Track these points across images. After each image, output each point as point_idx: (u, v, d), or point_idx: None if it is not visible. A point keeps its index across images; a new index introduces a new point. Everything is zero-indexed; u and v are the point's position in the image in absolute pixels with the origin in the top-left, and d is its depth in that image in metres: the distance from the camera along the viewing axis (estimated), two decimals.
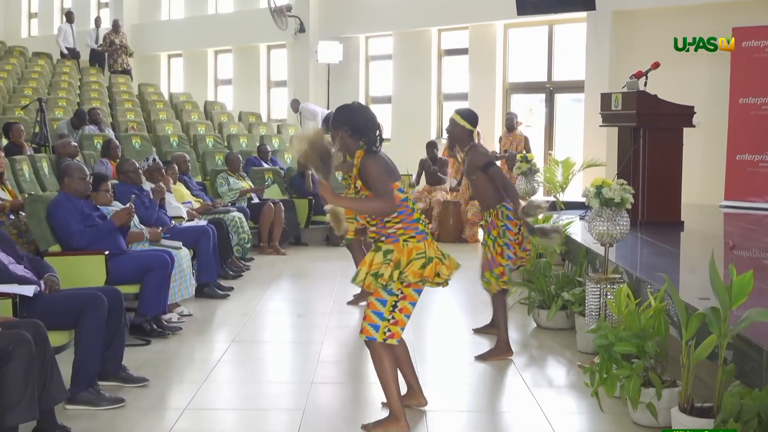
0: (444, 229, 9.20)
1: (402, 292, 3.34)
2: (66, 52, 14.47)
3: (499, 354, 4.59)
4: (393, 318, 3.34)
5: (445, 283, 3.45)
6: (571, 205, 7.39)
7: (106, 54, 14.26)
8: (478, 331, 5.10)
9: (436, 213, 9.29)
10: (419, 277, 3.31)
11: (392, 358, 3.43)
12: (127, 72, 13.99)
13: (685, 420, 3.08)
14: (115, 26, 14.13)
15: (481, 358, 4.60)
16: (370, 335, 3.35)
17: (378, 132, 3.43)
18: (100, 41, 14.35)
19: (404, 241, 3.32)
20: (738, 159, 9.08)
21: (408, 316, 3.39)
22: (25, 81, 12.15)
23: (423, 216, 3.47)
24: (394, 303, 3.33)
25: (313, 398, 3.92)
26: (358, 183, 3.39)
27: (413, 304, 3.39)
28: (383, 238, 3.35)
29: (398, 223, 3.34)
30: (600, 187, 4.20)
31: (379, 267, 3.30)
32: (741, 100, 9.09)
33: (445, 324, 5.10)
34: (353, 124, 3.42)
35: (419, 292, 3.40)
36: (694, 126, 6.82)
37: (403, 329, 3.40)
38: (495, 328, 4.79)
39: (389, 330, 3.34)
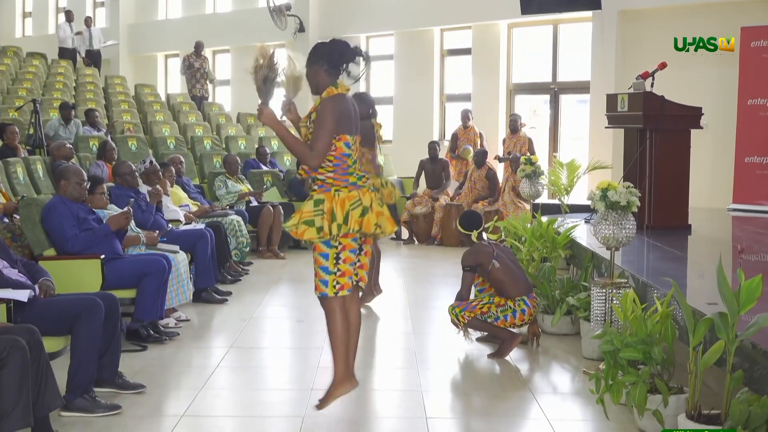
0: (447, 233, 9.14)
1: (340, 243, 3.41)
2: (72, 47, 14.44)
3: (509, 346, 4.62)
4: (338, 270, 3.43)
5: (381, 235, 3.53)
6: (576, 209, 7.33)
7: (184, 78, 13.45)
8: (480, 340, 5.04)
9: (439, 217, 9.23)
10: (359, 226, 3.36)
11: (344, 316, 3.49)
12: (204, 98, 13.22)
13: (692, 427, 3.04)
14: (197, 49, 13.15)
15: (494, 355, 4.63)
16: (323, 291, 3.45)
17: (346, 61, 3.45)
18: (95, 41, 14.31)
19: (335, 191, 3.39)
20: (746, 161, 9.00)
21: (351, 265, 3.45)
22: (19, 82, 12.11)
23: (361, 172, 3.47)
24: (336, 255, 3.41)
25: (313, 405, 3.86)
26: (313, 117, 3.42)
27: (353, 252, 3.45)
28: (315, 186, 3.42)
29: (330, 172, 3.41)
30: (606, 190, 4.15)
31: (311, 215, 3.37)
32: (749, 101, 9.02)
33: (448, 329, 5.04)
34: (331, 60, 3.45)
35: (355, 240, 3.45)
36: (701, 128, 6.77)
37: (350, 279, 3.44)
38: (494, 338, 4.80)
39: (338, 282, 3.44)
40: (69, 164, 5.03)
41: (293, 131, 3.61)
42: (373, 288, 5.94)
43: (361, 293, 3.86)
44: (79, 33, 14.63)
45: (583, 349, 4.69)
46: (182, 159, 8.04)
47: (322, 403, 3.58)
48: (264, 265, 7.88)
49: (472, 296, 4.86)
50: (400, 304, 6.20)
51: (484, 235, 4.89)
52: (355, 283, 3.52)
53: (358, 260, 3.50)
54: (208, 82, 13.26)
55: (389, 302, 6.06)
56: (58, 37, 14.73)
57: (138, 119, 11.23)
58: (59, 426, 3.44)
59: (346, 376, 3.54)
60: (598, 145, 10.10)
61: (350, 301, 3.56)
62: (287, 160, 10.33)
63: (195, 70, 13.10)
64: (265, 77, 3.46)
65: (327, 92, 3.48)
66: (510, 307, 4.67)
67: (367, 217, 3.38)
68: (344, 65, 3.48)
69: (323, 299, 3.48)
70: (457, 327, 4.79)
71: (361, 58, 3.50)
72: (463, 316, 4.70)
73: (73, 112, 9.43)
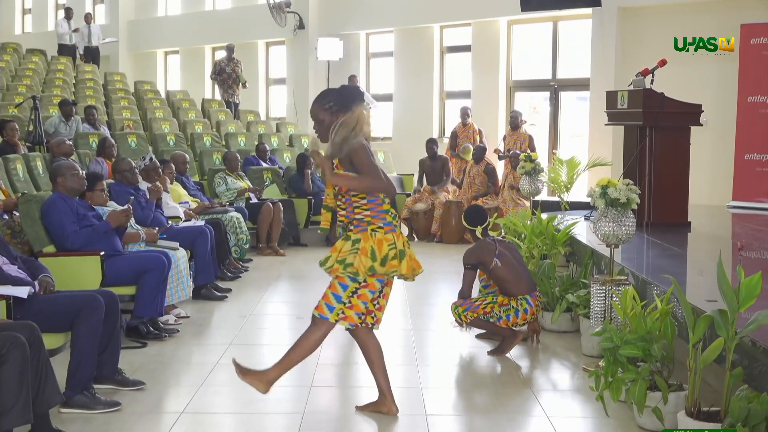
0: (446, 230, 9.14)
1: (365, 281, 3.42)
2: (71, 43, 14.40)
3: (510, 343, 4.62)
4: (350, 302, 3.45)
5: (411, 278, 3.55)
6: (575, 206, 7.33)
7: (215, 83, 13.08)
8: (480, 336, 5.04)
9: (439, 214, 9.22)
10: (394, 269, 3.39)
11: (320, 341, 3.52)
12: (235, 104, 12.88)
13: (692, 424, 3.04)
14: (229, 52, 12.87)
15: (494, 352, 4.64)
16: (323, 314, 3.46)
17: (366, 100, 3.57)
18: (94, 38, 14.28)
19: (372, 230, 3.40)
20: (746, 159, 9.00)
21: (365, 303, 3.47)
22: (18, 78, 12.08)
23: (393, 210, 3.52)
24: (354, 289, 3.42)
25: (312, 402, 3.88)
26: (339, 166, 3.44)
27: (372, 293, 3.46)
28: (351, 227, 3.43)
29: (366, 210, 3.43)
30: (605, 187, 4.14)
31: (346, 254, 3.38)
32: (749, 98, 9.01)
33: (447, 327, 5.04)
34: (346, 104, 3.47)
35: (381, 282, 3.47)
36: (701, 125, 6.76)
37: (356, 315, 3.46)
38: (495, 335, 4.80)
39: (343, 312, 3.45)
40: (60, 161, 5.02)
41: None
42: None
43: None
44: (76, 30, 14.61)
45: (583, 346, 4.69)
46: (187, 157, 8.00)
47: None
48: (263, 262, 7.88)
49: (476, 292, 4.86)
50: (400, 301, 6.19)
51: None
52: (370, 325, 3.54)
53: (377, 302, 3.52)
54: (240, 86, 12.88)
55: (389, 299, 6.05)
56: (57, 34, 14.72)
57: (138, 116, 11.22)
58: (59, 422, 3.44)
59: (271, 378, 3.55)
60: (597, 142, 10.09)
61: (366, 335, 3.59)
62: (287, 158, 10.32)
63: (227, 76, 12.74)
64: (345, 138, 3.42)
65: None
66: (513, 307, 4.67)
67: (404, 260, 3.43)
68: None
69: (317, 320, 3.49)
70: (460, 326, 4.79)
71: (365, 100, 3.59)
72: (466, 315, 4.70)
73: (73, 109, 9.41)
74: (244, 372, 3.58)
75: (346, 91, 3.57)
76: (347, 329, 3.61)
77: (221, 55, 16.46)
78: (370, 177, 3.38)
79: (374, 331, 3.62)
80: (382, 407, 3.64)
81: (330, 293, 3.46)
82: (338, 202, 3.52)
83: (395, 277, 3.52)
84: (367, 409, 3.67)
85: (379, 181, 3.39)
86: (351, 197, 3.46)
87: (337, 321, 3.47)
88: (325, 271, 3.49)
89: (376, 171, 3.40)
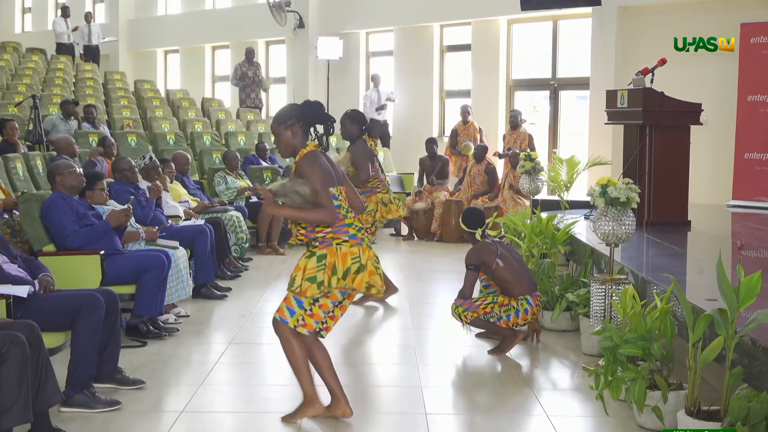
0: (446, 230, 9.13)
1: (329, 291, 3.40)
2: (68, 41, 14.39)
3: (510, 343, 4.62)
4: (311, 310, 3.43)
5: (378, 294, 3.52)
6: (575, 205, 7.33)
7: (238, 88, 12.75)
8: (480, 336, 5.04)
9: (438, 213, 9.22)
10: (352, 283, 3.36)
11: (300, 342, 3.49)
12: (258, 108, 12.65)
13: (691, 423, 3.05)
14: (249, 56, 12.58)
15: (494, 351, 4.64)
16: (284, 317, 3.45)
17: (329, 126, 3.49)
18: (93, 37, 14.26)
19: (337, 245, 3.38)
20: (746, 158, 9.00)
21: (326, 313, 3.46)
22: (18, 77, 12.07)
23: (358, 222, 3.48)
24: (316, 298, 3.40)
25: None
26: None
27: (334, 303, 3.46)
28: (316, 244, 3.39)
29: (327, 228, 3.39)
30: (605, 186, 4.14)
31: (314, 272, 3.35)
32: (749, 97, 9.01)
33: (447, 326, 5.04)
34: (308, 120, 3.47)
35: (344, 294, 3.46)
36: (701, 124, 6.77)
37: (316, 323, 3.44)
38: (495, 334, 4.80)
39: (303, 319, 3.43)
40: (57, 161, 5.02)
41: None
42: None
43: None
44: (75, 29, 14.58)
45: (583, 345, 4.69)
46: (188, 158, 7.98)
47: (287, 418, 3.58)
48: (263, 261, 7.87)
49: (477, 291, 4.86)
50: (400, 300, 6.19)
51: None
52: (318, 330, 3.51)
53: (333, 312, 3.51)
54: (261, 90, 12.63)
55: (389, 298, 6.05)
56: (55, 33, 14.71)
57: (137, 115, 11.21)
58: (59, 421, 3.44)
59: (314, 397, 3.55)
60: (597, 141, 10.09)
61: (312, 343, 3.54)
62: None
63: (248, 80, 12.50)
64: (294, 191, 3.38)
65: (300, 154, 3.46)
66: (513, 307, 4.67)
67: (360, 275, 3.37)
68: (315, 126, 3.50)
69: (279, 324, 3.47)
70: (461, 324, 4.79)
71: (329, 122, 3.51)
72: (466, 315, 4.70)
73: (75, 109, 9.39)
74: (291, 416, 3.57)
75: (309, 109, 3.49)
76: (274, 324, 3.53)
77: (221, 54, 16.51)
78: (315, 212, 3.31)
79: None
80: (336, 411, 3.57)
81: (292, 297, 3.42)
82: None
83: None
84: (322, 414, 3.58)
85: (324, 214, 3.31)
86: None
87: (295, 327, 3.43)
88: (294, 292, 3.41)
89: (326, 197, 3.31)
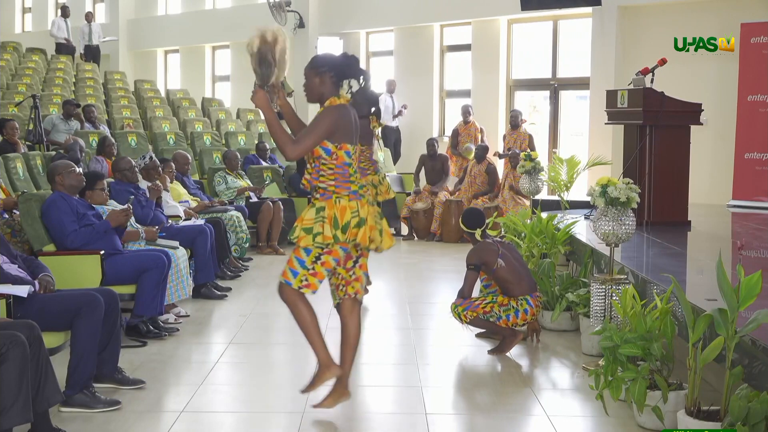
0: (446, 229, 9.13)
1: (329, 247, 3.41)
2: (63, 41, 14.37)
3: (510, 343, 4.62)
4: (313, 269, 3.43)
5: (378, 250, 3.55)
6: (575, 205, 7.33)
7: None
8: (480, 335, 5.04)
9: (439, 213, 9.22)
10: (354, 237, 3.39)
11: (309, 307, 3.51)
12: (279, 114, 12.81)
13: (691, 423, 3.04)
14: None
15: (494, 351, 4.64)
16: (288, 279, 3.45)
17: (362, 78, 3.52)
18: (94, 36, 14.24)
19: (336, 198, 3.41)
20: (746, 158, 9.00)
21: (328, 270, 3.48)
22: (18, 77, 12.07)
23: (362, 182, 3.52)
24: (317, 255, 3.42)
25: (313, 401, 3.85)
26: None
27: (336, 260, 3.47)
28: (317, 195, 3.45)
29: (331, 180, 3.44)
30: (605, 186, 4.14)
31: (311, 223, 3.39)
32: (749, 97, 9.01)
33: (447, 326, 5.04)
34: (340, 72, 3.49)
35: (345, 249, 3.47)
36: (701, 123, 6.76)
37: (320, 282, 3.47)
38: (495, 334, 4.80)
39: (306, 279, 3.44)
40: (57, 162, 5.02)
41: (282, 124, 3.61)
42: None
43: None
44: (63, 17, 14.51)
45: (583, 345, 4.69)
46: (188, 158, 7.98)
47: (307, 388, 3.63)
48: (263, 260, 7.87)
49: (477, 291, 4.86)
50: (400, 299, 6.19)
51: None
52: (353, 295, 3.56)
53: (353, 273, 3.56)
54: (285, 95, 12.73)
55: (388, 298, 6.06)
56: (52, 33, 14.69)
57: (138, 115, 11.21)
58: (59, 421, 3.43)
59: (329, 361, 3.58)
60: (597, 141, 10.09)
61: (350, 312, 3.60)
62: None
63: (272, 86, 12.54)
64: (262, 58, 3.45)
65: (330, 101, 3.52)
66: (513, 307, 4.67)
67: (362, 229, 3.41)
68: (349, 79, 3.54)
69: (284, 288, 3.48)
70: (460, 324, 4.79)
71: (362, 77, 3.56)
72: (466, 315, 4.70)
73: (76, 109, 9.38)
74: (310, 385, 3.60)
75: (345, 61, 3.53)
76: (279, 289, 3.52)
77: (221, 54, 16.51)
78: (284, 136, 3.39)
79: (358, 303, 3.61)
80: (330, 372, 3.59)
81: (294, 257, 3.44)
82: (307, 166, 3.52)
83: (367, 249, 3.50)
84: (318, 381, 3.60)
85: (288, 144, 3.37)
86: (320, 165, 3.46)
87: (300, 288, 3.44)
88: (293, 241, 3.47)
89: (306, 139, 3.36)
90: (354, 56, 3.60)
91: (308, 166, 3.52)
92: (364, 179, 3.44)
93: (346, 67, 3.53)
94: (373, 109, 5.82)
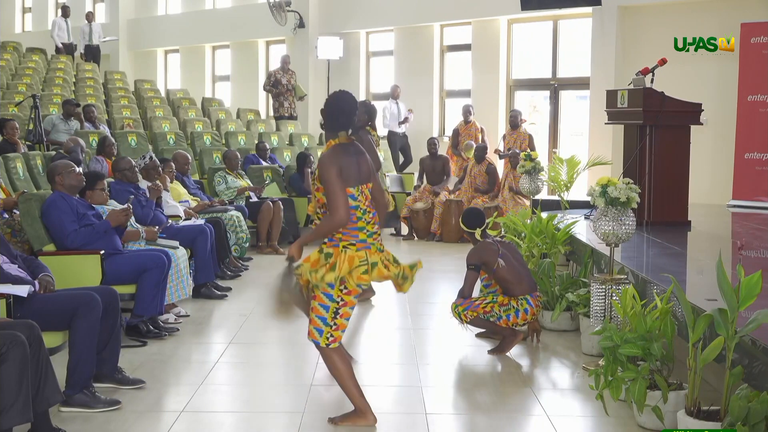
0: (446, 229, 9.13)
1: (342, 299, 3.42)
2: (60, 46, 14.39)
3: (510, 343, 4.62)
4: (335, 324, 3.44)
5: (400, 287, 3.58)
6: (575, 204, 7.33)
7: (270, 95, 12.46)
8: (480, 335, 5.04)
9: (439, 213, 9.22)
10: (364, 281, 3.40)
11: (341, 356, 3.51)
12: (293, 118, 12.36)
13: (691, 423, 3.05)
14: (284, 63, 12.28)
15: (494, 351, 4.65)
16: (316, 339, 3.47)
17: (346, 120, 3.48)
18: (94, 36, 14.24)
19: (343, 247, 3.39)
20: (746, 158, 9.00)
21: (347, 320, 3.48)
22: (18, 77, 12.06)
23: (371, 225, 3.46)
24: (335, 309, 3.42)
25: (312, 401, 3.87)
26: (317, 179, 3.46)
27: (352, 309, 3.48)
28: (326, 240, 3.42)
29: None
30: (605, 186, 4.14)
31: (317, 267, 3.39)
32: (749, 97, 9.01)
33: (447, 326, 5.04)
34: (326, 114, 3.52)
35: (356, 297, 3.49)
36: (701, 124, 6.76)
37: (343, 332, 3.48)
38: (495, 334, 4.80)
39: (331, 335, 3.45)
40: (57, 162, 5.02)
41: None
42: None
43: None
44: (63, 24, 14.53)
45: (583, 345, 4.69)
46: (188, 158, 7.97)
47: (334, 420, 3.56)
48: (263, 260, 7.87)
49: (477, 291, 4.86)
50: (400, 299, 6.19)
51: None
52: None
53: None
54: (296, 98, 12.40)
55: (388, 298, 6.06)
56: (52, 35, 14.70)
57: (138, 115, 11.21)
58: (59, 421, 3.44)
59: (366, 409, 3.52)
60: (597, 141, 10.09)
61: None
62: (287, 156, 10.32)
63: (282, 87, 12.24)
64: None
65: (326, 146, 3.51)
66: (513, 307, 4.67)
67: (374, 270, 3.40)
68: (347, 121, 3.50)
69: (318, 346, 3.49)
70: (460, 323, 4.79)
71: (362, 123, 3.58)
72: (466, 315, 4.70)
73: (76, 110, 9.38)
74: (340, 419, 3.55)
75: (362, 107, 3.53)
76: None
77: (221, 54, 16.51)
78: (327, 220, 3.36)
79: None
80: (367, 420, 3.53)
81: (315, 316, 3.44)
82: (316, 210, 3.56)
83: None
84: (347, 420, 3.54)
85: (331, 220, 3.33)
86: (327, 210, 3.43)
87: (327, 345, 3.43)
88: (296, 275, 3.45)
89: (336, 200, 3.31)
90: (367, 106, 3.57)
91: (317, 210, 3.53)
92: (374, 221, 3.37)
93: (338, 112, 3.49)
94: (368, 120, 5.86)
